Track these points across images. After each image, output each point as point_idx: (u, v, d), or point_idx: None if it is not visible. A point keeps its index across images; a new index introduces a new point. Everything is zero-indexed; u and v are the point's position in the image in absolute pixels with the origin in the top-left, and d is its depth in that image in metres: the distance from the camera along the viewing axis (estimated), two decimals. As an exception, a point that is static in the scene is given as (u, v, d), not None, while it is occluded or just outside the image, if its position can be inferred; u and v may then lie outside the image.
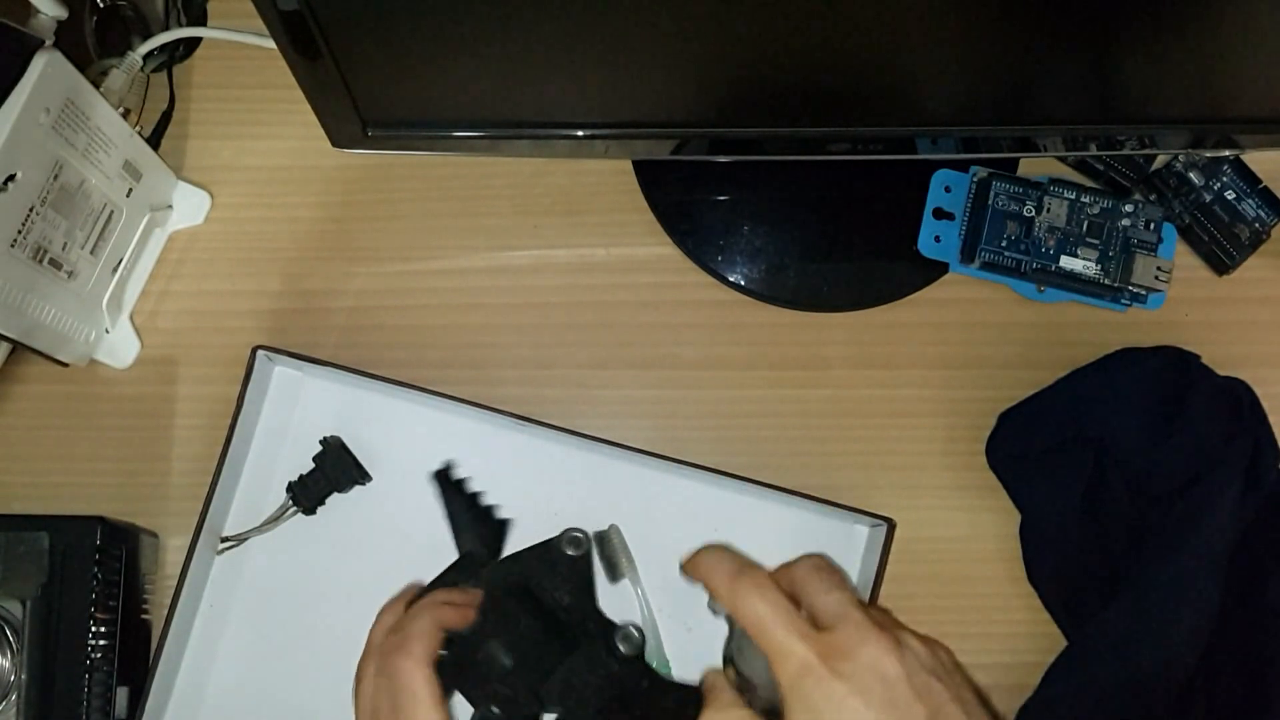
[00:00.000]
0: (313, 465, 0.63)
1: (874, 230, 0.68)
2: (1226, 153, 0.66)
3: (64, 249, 0.59)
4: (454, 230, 0.68)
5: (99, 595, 0.57)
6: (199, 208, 0.68)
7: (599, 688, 0.50)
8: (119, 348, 0.66)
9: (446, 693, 0.48)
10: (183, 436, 0.66)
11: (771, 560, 0.63)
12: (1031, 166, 0.67)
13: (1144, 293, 0.65)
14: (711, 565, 0.48)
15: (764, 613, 0.45)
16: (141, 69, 0.66)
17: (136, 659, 0.60)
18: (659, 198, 0.68)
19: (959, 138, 0.59)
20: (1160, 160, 0.68)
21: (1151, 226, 0.65)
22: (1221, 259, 0.67)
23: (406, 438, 0.64)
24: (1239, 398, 0.62)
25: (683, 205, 0.68)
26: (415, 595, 0.54)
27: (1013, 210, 0.65)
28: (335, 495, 0.63)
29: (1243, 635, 0.60)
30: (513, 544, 0.59)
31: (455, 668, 0.49)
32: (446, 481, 0.60)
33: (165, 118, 0.69)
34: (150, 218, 0.66)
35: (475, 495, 0.61)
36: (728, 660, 0.50)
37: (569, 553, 0.54)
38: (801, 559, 0.49)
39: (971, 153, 0.63)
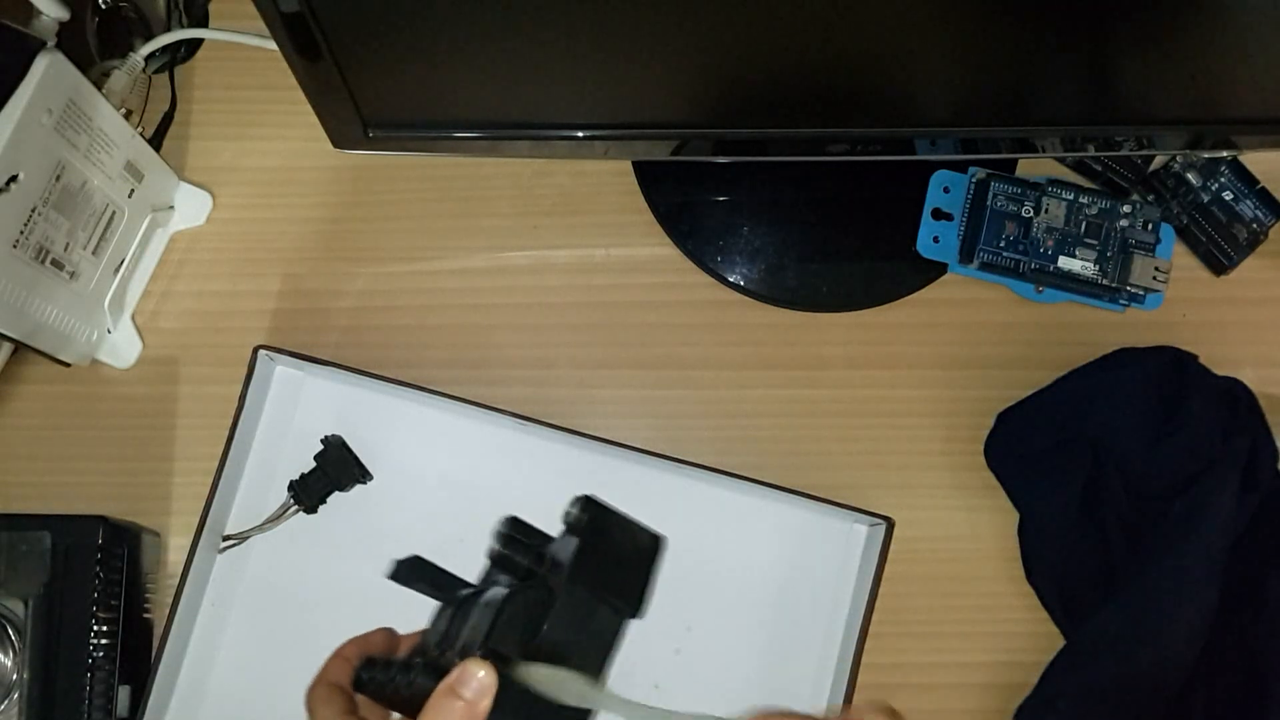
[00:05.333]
0: (314, 464, 0.63)
1: (873, 231, 0.68)
2: (1224, 153, 0.66)
3: (66, 249, 0.60)
4: (454, 230, 0.68)
5: (101, 594, 0.57)
6: (201, 208, 0.68)
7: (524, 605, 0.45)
8: (121, 348, 0.66)
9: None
10: (184, 436, 0.66)
11: (769, 560, 0.64)
12: (1030, 167, 0.67)
13: (1142, 293, 0.65)
14: None
15: None
16: (143, 70, 0.66)
17: (138, 658, 0.61)
18: (659, 198, 0.68)
19: (957, 139, 0.59)
20: (1158, 161, 0.68)
21: (1149, 227, 0.65)
22: (1219, 259, 0.67)
23: (407, 437, 0.65)
24: (1237, 398, 0.63)
25: (683, 205, 0.68)
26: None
27: (1011, 211, 0.66)
28: (336, 494, 0.64)
29: (1241, 635, 0.60)
30: None
31: (379, 682, 0.48)
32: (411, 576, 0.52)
33: (167, 119, 0.69)
34: (152, 218, 0.66)
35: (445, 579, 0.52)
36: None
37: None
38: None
39: (970, 154, 0.63)
